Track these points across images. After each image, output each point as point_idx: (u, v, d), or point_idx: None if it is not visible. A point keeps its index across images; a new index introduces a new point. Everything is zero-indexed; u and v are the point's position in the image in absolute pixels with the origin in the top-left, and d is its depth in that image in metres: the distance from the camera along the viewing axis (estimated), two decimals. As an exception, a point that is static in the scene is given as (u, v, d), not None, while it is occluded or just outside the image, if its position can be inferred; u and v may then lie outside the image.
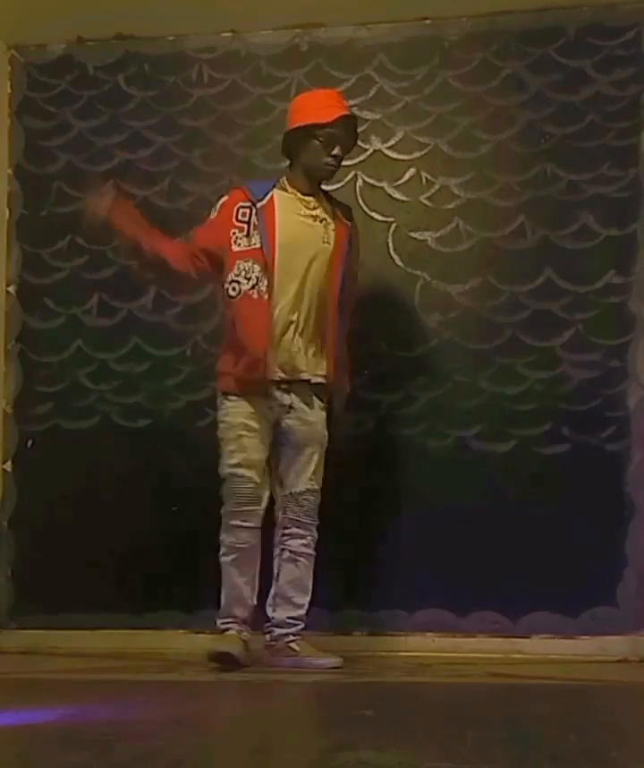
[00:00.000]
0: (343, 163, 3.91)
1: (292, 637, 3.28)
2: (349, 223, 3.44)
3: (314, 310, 3.32)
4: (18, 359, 4.13)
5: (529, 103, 3.92)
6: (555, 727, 2.03)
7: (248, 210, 3.34)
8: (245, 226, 3.33)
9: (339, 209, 3.47)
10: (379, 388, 3.88)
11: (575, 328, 3.81)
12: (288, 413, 3.31)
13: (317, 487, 3.33)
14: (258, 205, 3.33)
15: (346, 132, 3.36)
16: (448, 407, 3.85)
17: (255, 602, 3.30)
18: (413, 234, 3.94)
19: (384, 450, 3.82)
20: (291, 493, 3.31)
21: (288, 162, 3.45)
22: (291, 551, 3.31)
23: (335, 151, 3.34)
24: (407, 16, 3.98)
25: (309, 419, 3.32)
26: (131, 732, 1.91)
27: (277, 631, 3.30)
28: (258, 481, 3.28)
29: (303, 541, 3.30)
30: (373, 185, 3.98)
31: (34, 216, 4.19)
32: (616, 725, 2.14)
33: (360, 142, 3.97)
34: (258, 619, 3.34)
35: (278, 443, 3.34)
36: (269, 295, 3.26)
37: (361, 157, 3.98)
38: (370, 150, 3.99)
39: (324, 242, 3.34)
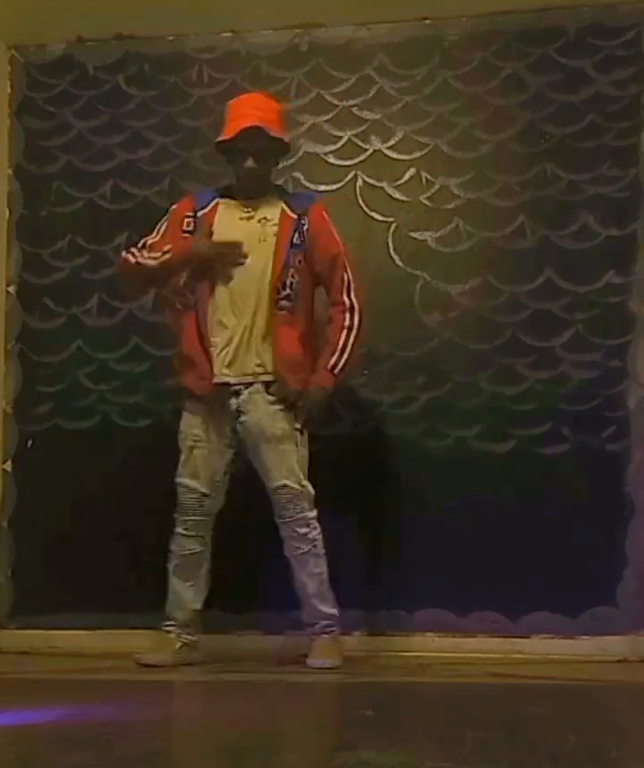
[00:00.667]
0: (345, 162, 3.94)
1: (314, 636, 3.31)
2: (296, 215, 3.37)
3: (255, 310, 3.32)
4: (18, 359, 4.13)
5: (529, 103, 3.92)
6: (555, 727, 2.03)
7: (191, 220, 3.40)
8: (189, 235, 3.40)
9: (294, 201, 3.43)
10: (379, 388, 3.88)
11: (575, 328, 3.81)
12: (238, 417, 3.33)
13: (284, 483, 3.28)
14: (199, 213, 3.39)
15: (256, 139, 3.32)
16: (448, 407, 3.85)
17: (198, 607, 3.38)
18: (413, 234, 3.94)
19: (384, 450, 3.82)
20: (269, 493, 3.31)
21: None
22: (288, 555, 3.32)
23: (248, 164, 3.35)
24: (407, 16, 3.98)
25: (255, 418, 3.31)
26: (131, 732, 1.91)
27: (308, 630, 3.35)
28: (204, 491, 3.35)
29: (291, 544, 3.30)
30: (373, 185, 3.98)
31: (34, 216, 4.19)
32: (616, 725, 2.14)
33: (359, 142, 3.99)
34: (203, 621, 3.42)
35: (243, 447, 3.37)
36: (199, 304, 3.33)
37: (361, 158, 3.99)
38: (370, 150, 3.99)
39: (260, 240, 3.34)
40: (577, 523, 3.67)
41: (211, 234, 3.37)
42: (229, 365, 3.32)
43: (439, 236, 3.93)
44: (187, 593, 3.37)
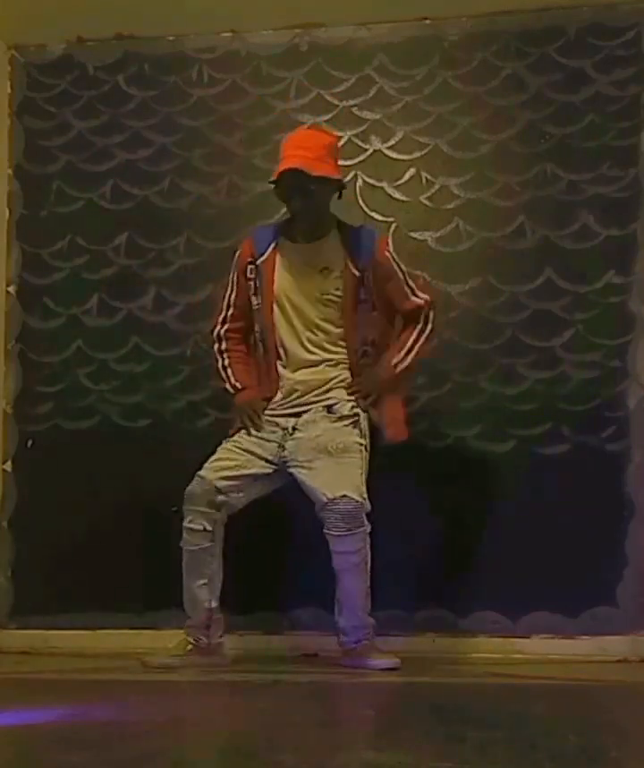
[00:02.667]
0: (345, 162, 3.93)
1: (352, 645, 3.29)
2: (360, 271, 3.32)
3: (323, 353, 3.37)
4: (18, 359, 4.13)
5: (529, 103, 3.92)
6: (555, 727, 2.03)
7: (253, 268, 3.39)
8: (253, 282, 3.40)
9: (355, 248, 3.36)
10: (379, 388, 3.87)
11: (575, 328, 3.81)
12: (293, 433, 3.33)
13: (345, 493, 3.21)
14: (259, 261, 3.37)
15: (299, 181, 3.26)
16: (448, 407, 3.85)
17: (213, 605, 3.33)
18: (413, 234, 3.94)
19: (383, 450, 3.82)
20: (323, 507, 3.25)
21: None
22: (334, 567, 3.28)
23: (294, 205, 3.32)
24: (407, 16, 3.98)
25: (313, 434, 3.31)
26: (131, 732, 1.91)
27: (341, 638, 3.32)
28: (218, 486, 3.30)
29: (338, 559, 3.25)
30: (373, 185, 3.98)
31: (34, 216, 4.19)
32: (616, 725, 2.14)
33: (359, 142, 3.99)
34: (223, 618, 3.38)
35: (287, 466, 3.33)
36: (267, 354, 3.37)
37: (361, 158, 3.99)
38: (370, 150, 3.99)
39: (322, 294, 3.33)
40: (577, 523, 3.67)
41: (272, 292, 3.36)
42: (285, 404, 3.38)
43: (439, 236, 3.93)
44: (201, 592, 3.32)
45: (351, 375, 3.38)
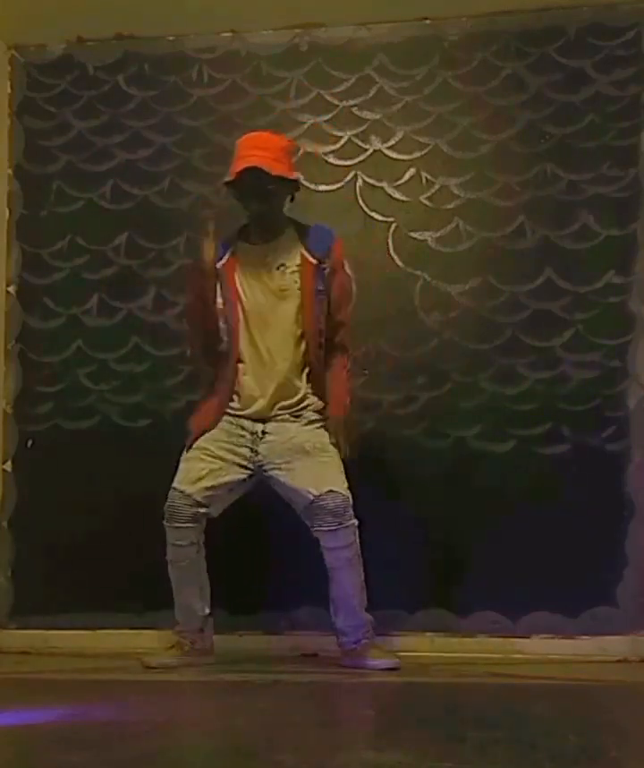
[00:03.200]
0: (345, 162, 3.93)
1: (352, 645, 3.30)
2: (317, 261, 3.34)
3: (280, 354, 3.34)
4: (18, 359, 4.13)
5: (529, 103, 3.92)
6: (555, 727, 2.03)
7: (216, 271, 3.37)
8: (219, 286, 3.38)
9: (311, 243, 3.37)
10: (379, 388, 3.88)
11: (575, 328, 3.81)
12: (263, 437, 3.32)
13: (331, 488, 3.23)
14: (219, 265, 3.36)
15: (259, 178, 3.26)
16: (448, 407, 3.85)
17: (207, 611, 3.36)
18: (413, 234, 3.94)
19: (384, 450, 3.82)
20: (308, 506, 3.25)
21: None
22: (327, 565, 3.29)
23: (252, 205, 3.33)
24: (407, 16, 3.98)
25: (286, 436, 3.30)
26: (131, 732, 1.91)
27: (341, 638, 3.33)
28: (199, 499, 3.29)
29: (332, 556, 3.26)
30: (373, 185, 3.98)
31: (34, 216, 4.19)
32: (616, 725, 2.14)
33: (359, 142, 3.99)
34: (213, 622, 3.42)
35: (263, 470, 3.32)
36: (235, 355, 3.34)
37: (361, 158, 3.99)
38: (370, 150, 3.99)
39: (281, 289, 3.34)
40: (577, 523, 3.67)
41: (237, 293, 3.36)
42: (254, 411, 3.34)
43: (439, 236, 3.93)
44: (196, 603, 3.35)
45: (310, 370, 3.36)
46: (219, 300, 3.37)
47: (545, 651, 3.65)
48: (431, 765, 1.54)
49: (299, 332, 3.35)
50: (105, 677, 3.09)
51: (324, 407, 3.38)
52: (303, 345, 3.35)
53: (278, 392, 3.34)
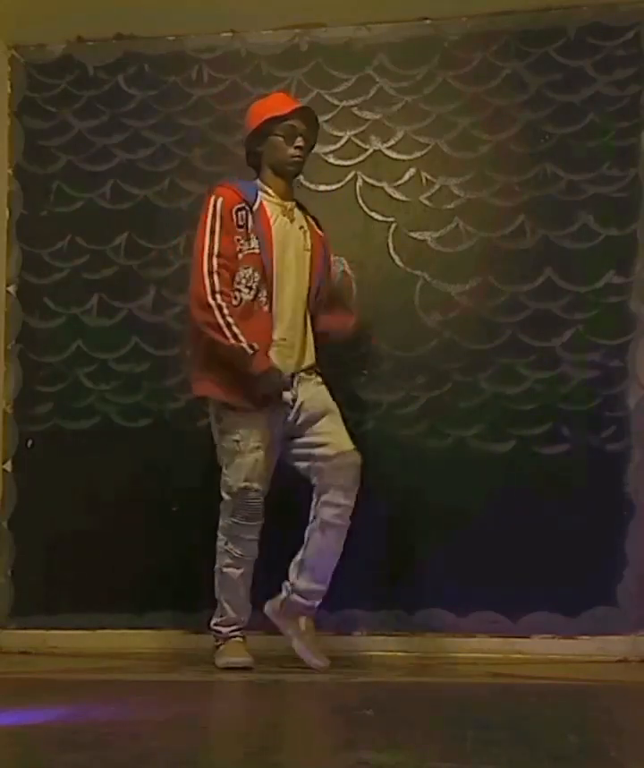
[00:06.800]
0: (345, 162, 3.93)
1: (305, 610, 3.28)
2: (322, 233, 3.50)
3: (299, 312, 3.37)
4: (18, 359, 4.13)
5: (529, 103, 3.92)
6: (555, 727, 2.03)
7: (245, 213, 3.29)
8: (244, 229, 3.28)
9: (310, 217, 3.51)
10: (379, 388, 3.88)
11: (575, 328, 3.81)
12: (294, 405, 3.32)
13: (353, 448, 3.30)
14: (254, 208, 3.31)
15: (306, 124, 3.38)
16: (448, 407, 3.85)
17: (251, 605, 3.35)
18: (413, 234, 3.94)
19: (384, 450, 3.82)
20: (326, 456, 3.27)
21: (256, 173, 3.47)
22: (322, 520, 3.26)
23: (298, 143, 3.35)
24: (407, 16, 3.98)
25: (311, 394, 3.34)
26: (131, 732, 1.91)
27: (294, 598, 3.29)
28: (264, 492, 3.31)
29: (336, 512, 3.25)
30: (373, 185, 3.98)
31: (34, 216, 4.19)
32: (616, 725, 2.13)
33: (359, 142, 3.99)
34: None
35: (292, 429, 3.33)
36: (270, 305, 3.28)
37: (361, 158, 3.99)
38: (370, 150, 3.99)
39: (305, 249, 3.40)
40: (577, 523, 3.67)
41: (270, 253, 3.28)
42: (282, 365, 3.30)
43: (439, 236, 3.93)
44: (247, 597, 3.32)
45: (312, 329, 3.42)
46: (250, 244, 3.27)
47: (545, 651, 3.65)
48: (431, 765, 1.54)
49: (305, 295, 3.39)
50: (105, 677, 3.09)
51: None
52: (304, 309, 3.39)
53: (296, 351, 3.35)
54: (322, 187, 3.99)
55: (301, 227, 3.42)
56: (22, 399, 4.11)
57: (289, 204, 3.42)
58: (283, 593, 3.31)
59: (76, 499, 3.99)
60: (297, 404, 3.32)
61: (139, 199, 4.12)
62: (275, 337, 3.29)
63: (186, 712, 2.27)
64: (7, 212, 4.19)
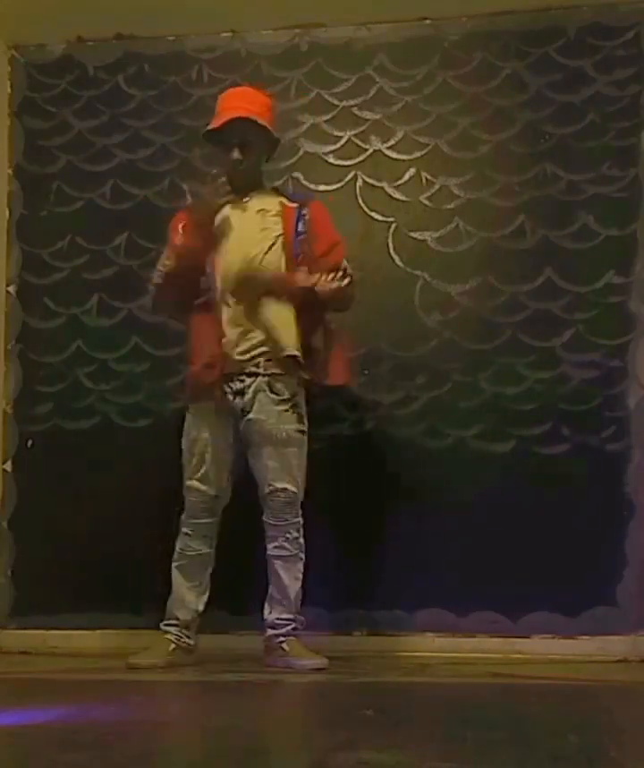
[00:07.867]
0: (345, 162, 3.93)
1: (282, 638, 3.28)
2: (296, 205, 3.40)
3: (262, 299, 3.30)
4: (18, 359, 4.13)
5: (529, 103, 3.92)
6: (555, 727, 2.03)
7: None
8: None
9: (291, 196, 3.47)
10: (379, 388, 3.88)
11: (575, 328, 3.81)
12: (243, 415, 3.31)
13: (286, 486, 3.27)
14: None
15: (243, 132, 3.32)
16: (448, 407, 3.85)
17: (200, 608, 3.36)
18: (413, 234, 3.94)
19: (384, 450, 3.82)
20: (265, 495, 3.30)
21: None
22: (268, 554, 3.31)
23: (234, 155, 3.34)
24: (407, 16, 3.99)
25: (261, 417, 3.29)
26: (131, 732, 1.91)
27: (269, 631, 3.31)
28: (214, 493, 3.34)
29: (275, 544, 3.28)
30: (373, 185, 3.98)
31: (34, 216, 4.19)
32: (616, 725, 2.13)
33: (359, 142, 3.99)
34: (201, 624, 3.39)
35: (244, 445, 3.35)
36: (215, 298, 3.32)
37: (361, 158, 3.99)
38: (370, 150, 3.99)
39: (261, 229, 3.34)
40: (577, 523, 3.67)
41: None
42: (238, 352, 3.30)
43: (439, 236, 3.93)
44: (190, 594, 3.36)
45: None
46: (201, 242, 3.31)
47: (545, 651, 3.65)
48: (431, 765, 1.54)
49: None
50: (105, 677, 3.09)
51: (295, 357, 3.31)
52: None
53: (253, 342, 3.30)
54: (322, 187, 3.99)
55: (260, 211, 3.37)
56: (22, 399, 4.11)
57: (246, 198, 3.39)
58: (265, 636, 3.33)
59: (76, 499, 3.99)
60: (246, 416, 3.30)
61: (139, 199, 4.12)
62: (225, 319, 3.30)
63: (186, 712, 2.27)
64: (7, 212, 4.20)
